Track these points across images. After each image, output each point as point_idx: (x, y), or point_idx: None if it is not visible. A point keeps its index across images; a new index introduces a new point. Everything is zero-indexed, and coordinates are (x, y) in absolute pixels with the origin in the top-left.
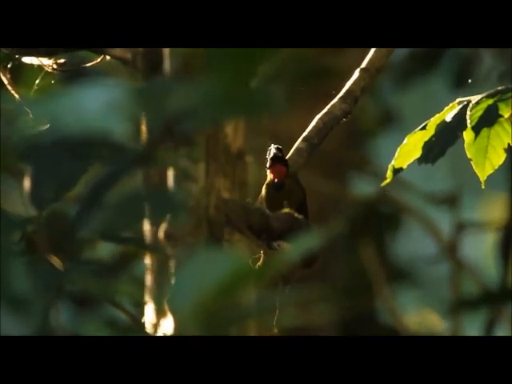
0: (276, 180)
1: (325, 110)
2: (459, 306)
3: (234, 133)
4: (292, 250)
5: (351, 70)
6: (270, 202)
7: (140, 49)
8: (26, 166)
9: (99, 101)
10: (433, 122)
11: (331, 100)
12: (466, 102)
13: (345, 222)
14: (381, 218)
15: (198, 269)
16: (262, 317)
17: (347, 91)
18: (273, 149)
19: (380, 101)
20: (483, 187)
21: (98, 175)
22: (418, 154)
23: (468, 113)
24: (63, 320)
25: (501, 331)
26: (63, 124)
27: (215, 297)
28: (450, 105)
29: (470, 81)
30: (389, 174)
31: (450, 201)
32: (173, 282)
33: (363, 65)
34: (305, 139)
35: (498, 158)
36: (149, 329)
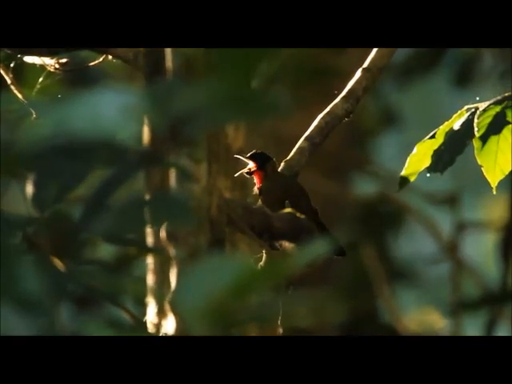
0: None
1: (327, 109)
2: (460, 308)
3: (234, 133)
4: (301, 256)
5: (353, 69)
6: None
7: (142, 49)
8: (29, 167)
9: (111, 105)
10: (442, 130)
11: (333, 100)
12: (473, 110)
13: (349, 229)
14: (381, 218)
15: (206, 272)
16: (267, 318)
17: (349, 91)
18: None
19: (382, 100)
20: (494, 193)
21: (103, 177)
22: (427, 162)
23: (475, 120)
24: (65, 320)
25: (501, 331)
26: (74, 128)
27: (224, 299)
28: (458, 112)
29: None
30: (400, 183)
31: (451, 201)
32: (179, 284)
33: (365, 65)
34: (307, 139)
35: (508, 162)
36: (151, 328)
